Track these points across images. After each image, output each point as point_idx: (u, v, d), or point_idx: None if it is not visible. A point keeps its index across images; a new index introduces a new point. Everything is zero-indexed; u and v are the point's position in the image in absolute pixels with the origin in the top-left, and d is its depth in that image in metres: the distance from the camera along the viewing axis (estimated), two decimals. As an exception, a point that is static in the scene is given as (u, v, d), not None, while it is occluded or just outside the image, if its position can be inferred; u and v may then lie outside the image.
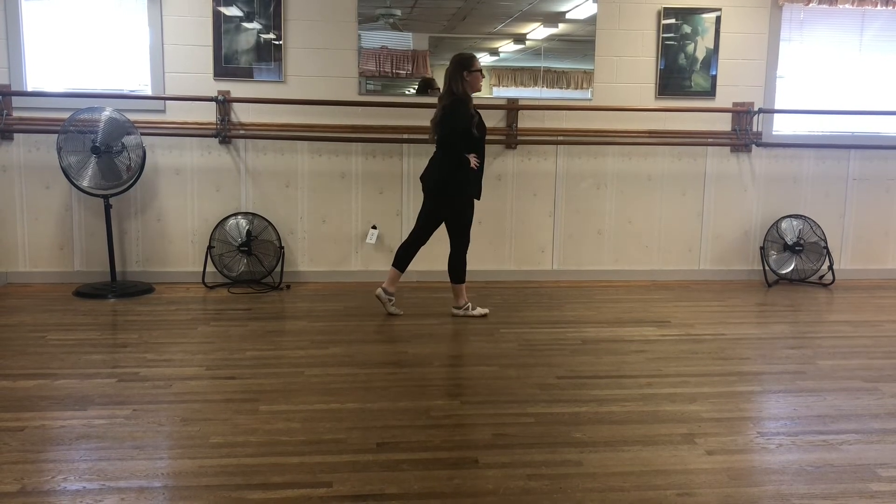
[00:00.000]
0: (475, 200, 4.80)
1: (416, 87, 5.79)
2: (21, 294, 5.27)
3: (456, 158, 4.61)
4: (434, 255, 5.86)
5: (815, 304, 5.48)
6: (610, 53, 5.80)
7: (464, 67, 4.58)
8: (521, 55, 5.93)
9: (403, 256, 4.88)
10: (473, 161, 4.63)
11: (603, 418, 3.27)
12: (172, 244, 5.65)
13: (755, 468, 2.84)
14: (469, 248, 5.87)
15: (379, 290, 4.91)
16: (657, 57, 5.83)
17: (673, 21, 5.81)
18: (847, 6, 5.89)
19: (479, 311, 4.95)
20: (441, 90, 4.79)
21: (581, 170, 5.91)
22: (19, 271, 5.55)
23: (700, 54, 5.83)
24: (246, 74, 5.54)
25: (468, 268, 4.96)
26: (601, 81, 5.83)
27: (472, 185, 4.70)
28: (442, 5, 5.79)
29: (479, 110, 4.72)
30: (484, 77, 4.74)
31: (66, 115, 5.12)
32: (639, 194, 6.00)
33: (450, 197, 4.73)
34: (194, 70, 5.48)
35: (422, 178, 4.85)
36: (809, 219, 6.04)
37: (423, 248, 4.84)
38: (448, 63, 4.67)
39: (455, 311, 4.96)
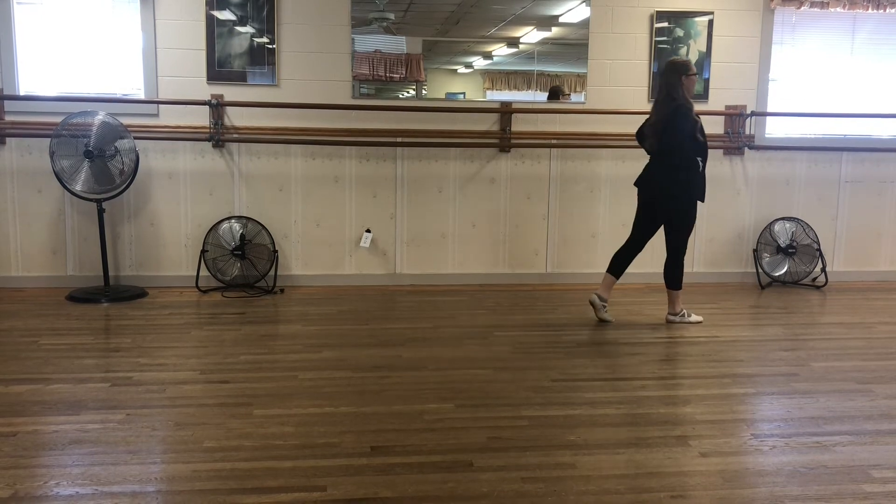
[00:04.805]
0: (700, 204, 4.80)
1: (549, 94, 5.89)
2: (13, 299, 5.25)
3: (685, 162, 4.61)
4: (428, 259, 5.87)
5: (808, 307, 5.49)
6: (603, 57, 5.82)
7: (681, 73, 4.65)
8: (515, 59, 5.94)
9: (620, 263, 4.90)
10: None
11: (597, 421, 3.27)
12: (166, 248, 5.64)
13: (749, 470, 2.85)
14: (466, 250, 5.90)
15: (593, 297, 4.90)
16: (650, 60, 5.85)
17: (665, 24, 5.83)
18: (838, 10, 5.91)
19: (695, 317, 4.91)
20: (657, 97, 4.81)
21: (575, 173, 5.92)
22: (11, 276, 5.52)
23: (693, 57, 5.84)
24: (239, 78, 5.54)
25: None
26: (594, 85, 5.84)
27: (699, 189, 4.70)
28: (435, 9, 5.80)
29: (699, 115, 4.77)
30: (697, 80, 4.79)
31: (58, 119, 5.11)
32: (632, 197, 5.95)
33: (677, 201, 4.72)
34: (187, 74, 5.48)
35: (638, 184, 4.87)
36: (802, 221, 6.06)
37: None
38: (663, 70, 4.80)
39: (671, 318, 4.91)
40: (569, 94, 5.88)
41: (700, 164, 4.64)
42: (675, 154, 4.64)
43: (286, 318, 4.98)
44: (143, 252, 5.63)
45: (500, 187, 5.88)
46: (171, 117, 5.52)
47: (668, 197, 4.73)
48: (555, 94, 5.89)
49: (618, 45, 5.82)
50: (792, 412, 3.42)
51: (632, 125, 5.85)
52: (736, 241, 6.15)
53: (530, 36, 5.89)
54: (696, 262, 6.13)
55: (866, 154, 6.17)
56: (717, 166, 6.04)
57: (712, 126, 5.97)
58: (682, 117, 4.60)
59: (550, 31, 5.90)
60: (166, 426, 3.14)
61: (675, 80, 4.64)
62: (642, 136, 4.89)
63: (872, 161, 6.19)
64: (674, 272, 4.86)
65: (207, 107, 5.47)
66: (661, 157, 4.74)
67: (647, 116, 4.94)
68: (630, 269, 6.01)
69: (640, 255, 6.03)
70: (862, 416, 3.36)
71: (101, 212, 5.27)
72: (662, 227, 4.85)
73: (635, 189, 5.96)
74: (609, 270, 4.91)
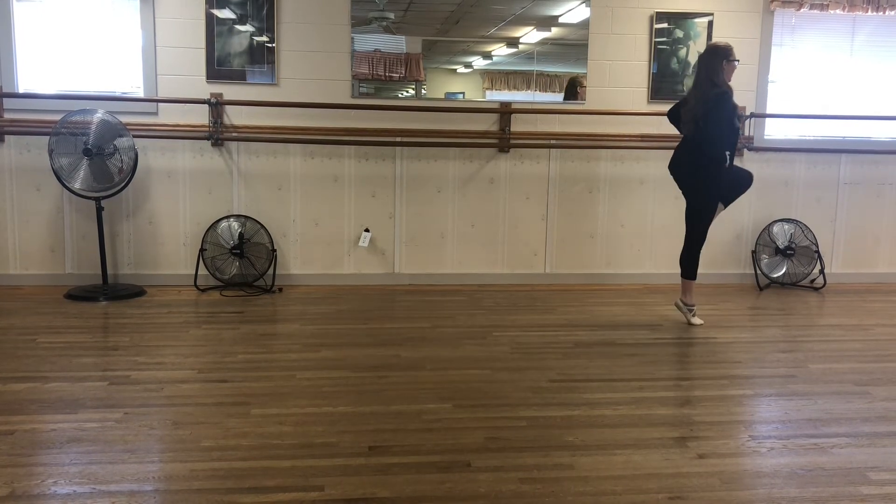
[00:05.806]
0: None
1: (566, 88, 5.84)
2: (11, 296, 5.24)
3: (715, 157, 4.55)
4: (427, 258, 5.87)
5: (806, 308, 5.50)
6: (603, 57, 5.82)
7: (723, 57, 4.54)
8: (515, 59, 5.94)
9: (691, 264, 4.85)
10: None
11: (595, 422, 3.27)
12: (164, 247, 5.64)
13: (746, 472, 2.85)
14: (465, 250, 5.90)
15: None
16: (650, 61, 5.85)
17: (665, 25, 5.83)
18: (838, 11, 5.92)
19: (697, 320, 4.88)
20: (696, 80, 4.72)
21: (574, 173, 5.92)
22: (10, 273, 5.52)
23: (692, 58, 5.84)
24: (239, 77, 5.53)
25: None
26: (594, 85, 5.84)
27: (722, 188, 4.66)
28: (435, 9, 5.80)
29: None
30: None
31: (57, 117, 5.10)
32: (631, 198, 6.01)
33: (700, 185, 4.67)
34: (187, 72, 5.47)
35: (671, 167, 4.80)
36: (801, 223, 6.06)
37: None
38: (703, 53, 4.72)
39: (679, 303, 4.91)
40: (585, 86, 5.84)
41: (728, 158, 4.57)
42: (709, 145, 4.54)
43: (284, 318, 4.98)
44: (142, 250, 5.62)
45: (499, 187, 5.88)
46: (170, 116, 5.51)
47: (693, 180, 4.69)
48: (572, 85, 5.88)
49: (617, 46, 5.82)
50: (790, 414, 3.42)
51: (631, 126, 5.88)
52: (734, 242, 6.15)
53: (530, 36, 5.89)
54: (694, 263, 6.12)
55: (865, 156, 6.17)
56: (716, 167, 6.04)
57: (711, 127, 5.98)
58: (724, 106, 4.52)
59: (550, 31, 5.90)
60: (164, 425, 3.13)
61: (716, 65, 4.53)
62: (677, 119, 4.81)
63: (871, 163, 6.19)
64: (685, 261, 4.85)
65: (207, 105, 5.46)
66: (694, 143, 4.65)
67: (683, 98, 4.87)
68: (627, 271, 6.07)
69: (638, 257, 6.06)
70: (859, 419, 3.36)
71: (99, 210, 5.27)
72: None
73: (633, 189, 5.99)
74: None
